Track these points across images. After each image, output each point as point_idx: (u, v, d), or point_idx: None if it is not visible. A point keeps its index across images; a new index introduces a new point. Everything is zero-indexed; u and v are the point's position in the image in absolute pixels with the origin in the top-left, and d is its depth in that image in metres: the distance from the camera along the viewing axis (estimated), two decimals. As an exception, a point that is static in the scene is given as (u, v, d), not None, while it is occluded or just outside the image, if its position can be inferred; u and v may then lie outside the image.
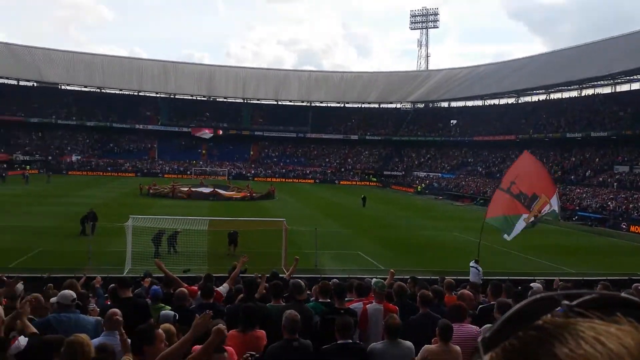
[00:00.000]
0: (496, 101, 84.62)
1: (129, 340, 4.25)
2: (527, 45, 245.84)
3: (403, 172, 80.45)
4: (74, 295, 5.58)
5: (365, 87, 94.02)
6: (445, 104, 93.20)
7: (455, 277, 11.16)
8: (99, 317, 5.83)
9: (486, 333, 0.50)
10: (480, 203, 50.26)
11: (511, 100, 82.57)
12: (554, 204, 12.72)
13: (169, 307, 6.76)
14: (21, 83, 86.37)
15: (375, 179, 79.85)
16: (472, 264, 14.98)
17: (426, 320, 6.03)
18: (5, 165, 68.08)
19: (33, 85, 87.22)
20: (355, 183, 77.95)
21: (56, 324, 5.14)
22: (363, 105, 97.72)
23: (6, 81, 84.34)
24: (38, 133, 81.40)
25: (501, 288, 7.83)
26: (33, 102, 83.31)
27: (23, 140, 79.30)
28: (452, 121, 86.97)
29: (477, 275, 14.19)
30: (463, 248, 25.72)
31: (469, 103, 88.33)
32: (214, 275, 11.84)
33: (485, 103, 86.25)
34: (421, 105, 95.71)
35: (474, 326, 5.67)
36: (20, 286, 8.31)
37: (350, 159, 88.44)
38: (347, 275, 14.23)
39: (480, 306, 7.46)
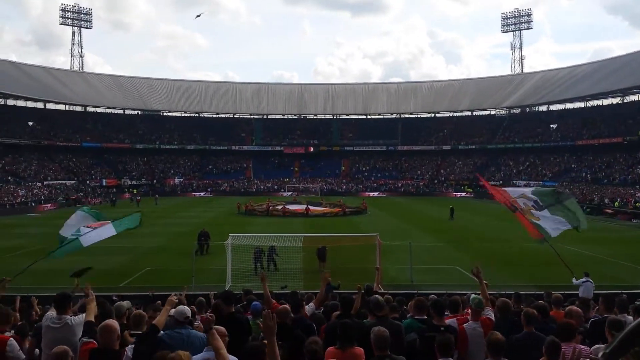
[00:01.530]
0: (599, 102, 79.32)
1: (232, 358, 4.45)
2: (628, 40, 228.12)
3: (501, 182, 77.15)
4: (189, 313, 5.86)
5: (456, 95, 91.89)
6: (543, 108, 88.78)
7: (562, 292, 10.52)
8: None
9: (606, 349, 0.49)
10: (587, 212, 47.05)
11: (616, 100, 77.06)
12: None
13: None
14: (127, 112, 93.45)
15: (470, 190, 77.38)
16: (575, 281, 14.13)
17: (531, 340, 5.71)
18: (115, 190, 73.73)
19: (137, 113, 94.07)
20: (449, 195, 75.89)
21: (168, 339, 5.43)
22: (455, 114, 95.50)
23: (114, 111, 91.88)
24: (143, 158, 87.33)
25: (614, 301, 7.27)
26: (138, 129, 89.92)
27: (130, 166, 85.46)
28: (552, 125, 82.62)
29: (589, 290, 13.33)
30: (570, 260, 24.19)
31: (570, 105, 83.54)
32: (309, 292, 12.00)
33: (588, 105, 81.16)
34: (517, 111, 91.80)
35: (584, 347, 5.29)
36: (126, 304, 8.89)
37: (443, 169, 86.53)
38: (444, 291, 13.83)
39: (592, 319, 6.95)
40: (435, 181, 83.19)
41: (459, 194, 75.86)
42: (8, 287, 6.87)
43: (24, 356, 5.40)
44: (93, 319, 5.66)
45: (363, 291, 9.44)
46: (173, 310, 5.93)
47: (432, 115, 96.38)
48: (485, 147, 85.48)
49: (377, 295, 7.39)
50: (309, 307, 8.11)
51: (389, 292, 13.83)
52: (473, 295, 6.82)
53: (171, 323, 5.82)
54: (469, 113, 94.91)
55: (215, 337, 4.38)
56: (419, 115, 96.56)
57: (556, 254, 12.44)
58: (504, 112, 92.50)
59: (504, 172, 80.00)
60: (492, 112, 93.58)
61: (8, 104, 79.51)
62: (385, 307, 7.21)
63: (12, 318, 6.79)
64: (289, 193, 74.43)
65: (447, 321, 6.52)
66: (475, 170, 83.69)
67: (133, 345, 5.10)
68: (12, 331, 6.35)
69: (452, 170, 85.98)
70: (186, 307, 5.92)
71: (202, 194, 78.09)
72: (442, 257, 25.87)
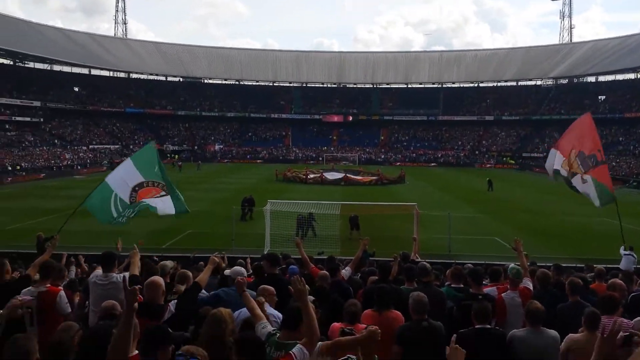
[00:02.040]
0: (652, 73, 75.70)
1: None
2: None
3: (545, 154, 75.05)
4: (245, 272, 6.07)
5: (501, 65, 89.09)
6: (592, 79, 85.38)
7: (605, 266, 10.30)
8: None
9: None
10: (633, 185, 45.58)
11: (669, 72, 73.41)
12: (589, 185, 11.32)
13: (307, 288, 7.05)
14: (169, 79, 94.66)
15: (513, 162, 75.74)
16: (622, 251, 13.77)
17: (576, 310, 5.65)
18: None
19: (179, 80, 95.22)
20: (490, 166, 74.47)
21: (225, 297, 5.64)
22: (499, 84, 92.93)
23: (156, 77, 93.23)
24: (185, 124, 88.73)
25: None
26: (179, 96, 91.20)
27: (172, 132, 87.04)
28: (600, 97, 79.57)
29: (630, 263, 13.01)
30: (613, 234, 23.57)
31: (619, 77, 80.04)
32: (346, 258, 12.13)
33: (638, 76, 77.54)
34: (564, 81, 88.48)
35: (626, 320, 5.19)
36: (169, 263, 9.20)
37: (485, 140, 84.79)
38: (482, 262, 13.72)
39: (633, 294, 6.81)
40: (477, 152, 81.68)
41: (503, 166, 74.30)
42: (57, 244, 7.18)
43: (70, 310, 5.68)
44: (137, 273, 5.90)
45: (399, 259, 9.48)
46: (230, 270, 6.14)
47: (476, 85, 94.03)
48: (530, 118, 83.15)
49: (424, 262, 7.42)
50: (345, 271, 8.22)
51: (426, 261, 13.85)
52: (511, 265, 6.77)
53: (229, 282, 6.02)
54: (513, 83, 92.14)
55: (247, 298, 4.50)
56: (461, 85, 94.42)
57: (618, 219, 12.09)
58: (550, 82, 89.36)
59: (548, 144, 77.65)
60: (538, 83, 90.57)
61: (54, 69, 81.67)
62: (431, 273, 7.26)
63: (65, 274, 7.13)
64: (327, 162, 74.52)
65: (486, 290, 6.51)
66: (518, 141, 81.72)
67: (176, 300, 5.32)
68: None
69: (494, 141, 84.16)
70: (241, 269, 6.12)
71: (241, 161, 78.96)
72: (481, 228, 25.58)
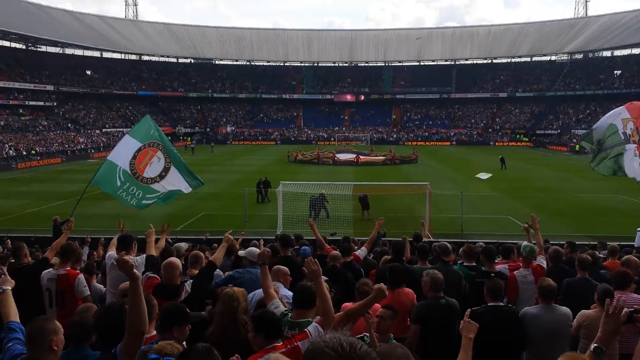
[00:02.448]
0: (670, 46, 74.05)
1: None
2: None
3: (559, 131, 74.30)
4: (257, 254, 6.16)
5: (515, 40, 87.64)
6: (607, 54, 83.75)
7: (619, 243, 10.26)
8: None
9: None
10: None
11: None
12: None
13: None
14: (180, 60, 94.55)
15: (526, 139, 74.96)
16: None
17: (584, 286, 5.67)
18: (170, 138, 75.69)
19: (190, 61, 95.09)
20: (504, 144, 73.76)
21: (238, 276, 5.74)
22: (513, 60, 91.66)
23: (167, 59, 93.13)
24: (197, 106, 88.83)
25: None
26: (191, 77, 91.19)
27: (184, 114, 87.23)
28: (615, 72, 78.15)
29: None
30: (628, 212, 23.41)
31: (635, 51, 78.33)
32: (359, 238, 12.19)
33: (657, 50, 75.95)
34: (579, 56, 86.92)
35: (637, 295, 5.21)
36: (184, 245, 9.32)
37: (498, 118, 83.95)
38: (495, 241, 13.72)
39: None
40: (490, 130, 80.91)
41: (516, 144, 73.58)
42: (72, 227, 7.30)
43: (88, 292, 5.80)
44: (153, 253, 6.01)
45: (411, 239, 9.54)
46: (244, 251, 6.22)
47: (489, 61, 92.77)
48: (544, 95, 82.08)
49: (444, 242, 7.51)
50: (361, 251, 8.27)
51: (438, 240, 13.88)
52: (525, 243, 6.79)
53: (245, 263, 6.12)
54: (528, 59, 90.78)
55: (266, 273, 4.55)
56: (474, 62, 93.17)
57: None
58: (565, 57, 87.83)
59: (563, 120, 76.88)
60: (553, 58, 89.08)
61: (67, 52, 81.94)
62: (452, 253, 7.32)
63: (82, 257, 7.29)
64: (339, 142, 74.35)
65: (498, 267, 6.55)
66: (532, 118, 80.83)
67: (192, 280, 5.42)
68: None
69: (508, 118, 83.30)
70: (257, 249, 6.19)
71: (253, 142, 79.06)
72: (495, 206, 25.49)
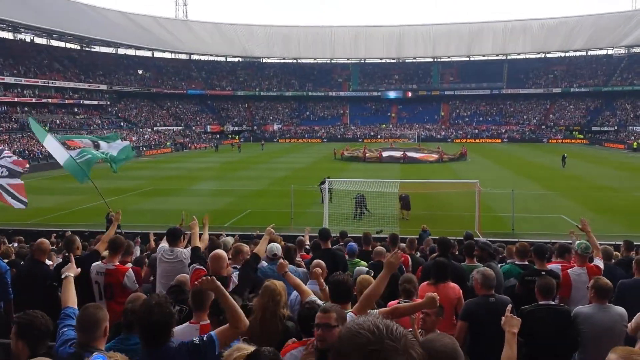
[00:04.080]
0: None
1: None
2: None
3: (616, 127, 71.30)
4: (278, 251, 6.23)
5: (569, 34, 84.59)
6: (668, 46, 79.77)
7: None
8: (306, 269, 6.41)
9: None
10: None
11: None
12: None
13: (365, 264, 7.12)
14: (228, 59, 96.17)
15: (581, 136, 72.31)
16: None
17: (638, 288, 5.42)
18: (218, 136, 77.47)
19: (238, 60, 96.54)
20: (558, 141, 71.37)
21: (261, 274, 5.79)
22: (567, 54, 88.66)
23: (216, 58, 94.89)
24: (244, 104, 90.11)
25: None
26: (239, 76, 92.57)
27: (232, 112, 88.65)
28: (678, 66, 74.29)
29: None
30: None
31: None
32: (406, 236, 12.05)
33: None
34: (638, 50, 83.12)
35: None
36: (231, 239, 9.44)
37: (552, 114, 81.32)
38: (547, 240, 13.29)
39: None
40: (543, 127, 78.47)
41: (571, 141, 71.07)
42: (120, 217, 7.52)
43: (136, 287, 5.91)
44: (198, 244, 6.12)
45: (461, 238, 9.37)
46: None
47: (542, 55, 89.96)
48: (600, 90, 78.91)
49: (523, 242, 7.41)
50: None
51: (489, 239, 13.57)
52: (579, 241, 6.54)
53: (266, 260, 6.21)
54: (583, 53, 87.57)
55: (290, 277, 4.63)
56: (527, 56, 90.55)
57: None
58: (622, 51, 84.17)
59: (620, 117, 73.73)
60: (610, 52, 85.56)
61: (119, 52, 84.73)
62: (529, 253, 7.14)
63: (132, 250, 7.48)
64: (386, 139, 73.83)
65: (550, 266, 6.35)
66: (587, 115, 77.95)
67: (237, 272, 5.52)
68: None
69: (562, 114, 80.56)
70: (275, 245, 6.26)
71: (299, 140, 79.57)
72: (548, 205, 24.67)
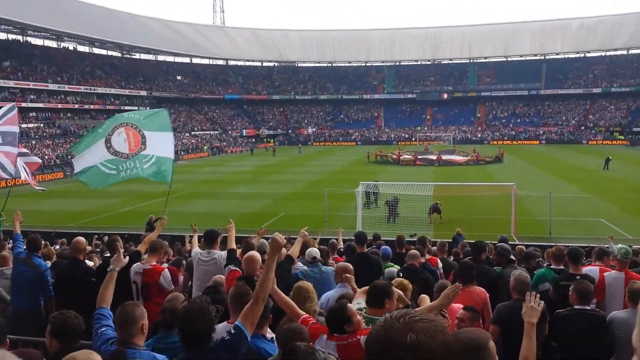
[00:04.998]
0: None
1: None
2: None
3: (657, 128, 68.85)
4: (316, 254, 6.40)
5: (610, 32, 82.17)
6: None
7: None
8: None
9: None
10: None
11: None
12: None
13: (397, 267, 7.18)
14: (264, 64, 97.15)
15: (622, 137, 70.05)
16: None
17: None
18: (253, 140, 78.42)
19: (274, 65, 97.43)
20: (598, 142, 69.35)
21: (302, 276, 5.93)
22: (608, 53, 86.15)
23: (252, 63, 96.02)
24: (279, 108, 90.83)
25: None
26: (274, 80, 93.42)
27: (267, 116, 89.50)
28: None
29: None
30: None
31: None
32: (440, 240, 12.03)
33: None
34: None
35: None
36: (266, 242, 9.60)
37: (591, 115, 79.14)
38: (585, 244, 13.01)
39: None
40: (583, 128, 76.44)
41: (611, 142, 68.97)
42: (165, 223, 7.76)
43: (172, 287, 6.12)
44: (234, 247, 6.30)
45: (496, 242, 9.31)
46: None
47: (582, 55, 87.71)
48: (642, 90, 76.42)
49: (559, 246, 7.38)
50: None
51: (524, 243, 13.39)
52: (620, 245, 6.44)
53: (305, 263, 6.39)
54: (624, 52, 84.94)
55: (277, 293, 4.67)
56: (566, 56, 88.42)
57: None
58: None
59: (664, 117, 71.24)
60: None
61: (159, 59, 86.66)
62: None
63: (170, 252, 7.74)
64: (421, 142, 73.21)
65: (585, 269, 6.27)
66: (629, 115, 75.57)
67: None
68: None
69: (603, 115, 78.29)
70: (314, 249, 6.40)
71: (334, 143, 79.70)
72: (587, 209, 24.09)
